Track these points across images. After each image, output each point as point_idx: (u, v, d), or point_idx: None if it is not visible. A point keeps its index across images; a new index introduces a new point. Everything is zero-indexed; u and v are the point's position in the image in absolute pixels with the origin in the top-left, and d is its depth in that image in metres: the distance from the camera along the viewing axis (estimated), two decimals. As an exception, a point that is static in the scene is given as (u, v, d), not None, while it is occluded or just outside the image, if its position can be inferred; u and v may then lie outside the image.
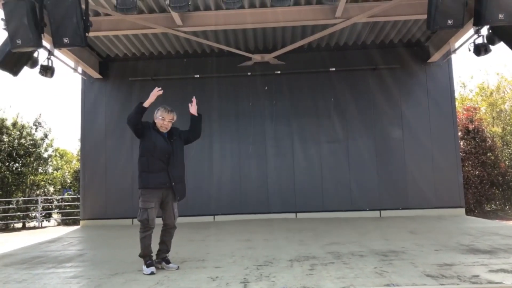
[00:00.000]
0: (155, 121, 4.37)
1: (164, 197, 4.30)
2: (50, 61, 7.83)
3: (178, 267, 4.38)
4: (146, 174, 4.23)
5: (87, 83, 10.23)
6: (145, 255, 4.30)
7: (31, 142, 15.94)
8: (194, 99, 4.56)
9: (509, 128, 15.00)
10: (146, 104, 4.28)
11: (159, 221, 4.35)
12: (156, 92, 4.35)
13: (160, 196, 4.26)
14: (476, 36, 7.44)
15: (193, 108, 4.57)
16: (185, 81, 10.01)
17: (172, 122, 4.41)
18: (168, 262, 4.43)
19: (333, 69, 9.81)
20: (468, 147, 13.58)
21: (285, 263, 4.53)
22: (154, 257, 4.42)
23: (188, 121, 4.61)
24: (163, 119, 4.32)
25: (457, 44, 9.02)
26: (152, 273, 4.18)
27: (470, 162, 13.38)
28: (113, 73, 10.24)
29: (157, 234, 4.43)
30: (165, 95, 10.58)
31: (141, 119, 4.30)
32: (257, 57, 9.42)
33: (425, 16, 6.46)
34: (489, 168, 13.40)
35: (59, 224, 15.40)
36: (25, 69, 7.18)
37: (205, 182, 9.71)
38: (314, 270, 4.14)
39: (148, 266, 4.25)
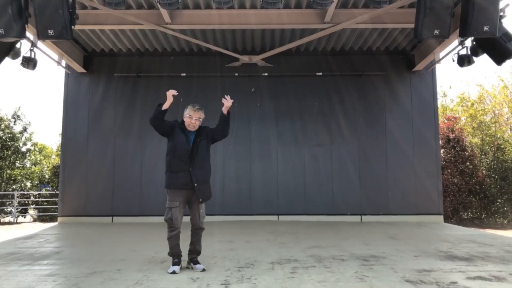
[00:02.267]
0: (184, 119, 4.32)
1: (190, 197, 4.22)
2: (32, 53, 7.64)
3: (204, 269, 4.22)
4: (169, 174, 4.21)
5: (71, 77, 10.02)
6: (173, 254, 4.25)
7: (9, 135, 15.54)
8: (228, 97, 4.39)
9: (488, 138, 15.38)
10: (165, 106, 4.20)
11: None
12: (171, 92, 4.21)
13: (185, 196, 4.19)
14: (460, 47, 7.61)
15: (225, 106, 4.37)
16: (172, 79, 9.89)
17: (200, 120, 4.31)
18: (195, 262, 4.31)
19: (320, 73, 9.88)
20: (448, 155, 13.86)
21: (267, 265, 4.52)
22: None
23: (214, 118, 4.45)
24: (191, 117, 4.26)
25: (441, 54, 9.20)
26: (173, 272, 4.09)
27: (449, 170, 13.65)
28: (98, 68, 10.06)
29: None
30: (150, 92, 10.55)
31: (162, 121, 4.25)
32: (245, 58, 9.40)
33: (412, 25, 6.57)
34: (467, 177, 13.69)
35: (35, 220, 15.03)
36: (6, 60, 7.00)
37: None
38: (296, 273, 4.14)
39: (173, 264, 4.18)
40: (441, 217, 9.59)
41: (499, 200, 14.05)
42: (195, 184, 4.13)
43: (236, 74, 9.84)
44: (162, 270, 4.31)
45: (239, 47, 9.94)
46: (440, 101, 19.97)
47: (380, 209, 9.55)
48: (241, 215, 9.44)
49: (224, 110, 4.39)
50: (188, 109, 4.31)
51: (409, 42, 9.72)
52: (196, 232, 4.32)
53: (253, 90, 9.91)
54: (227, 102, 4.36)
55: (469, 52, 7.45)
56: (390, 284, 3.70)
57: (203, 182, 4.23)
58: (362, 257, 5.00)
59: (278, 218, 9.47)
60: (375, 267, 4.39)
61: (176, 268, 4.17)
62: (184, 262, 4.36)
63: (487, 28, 5.93)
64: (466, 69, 7.89)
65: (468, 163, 13.90)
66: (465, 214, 14.16)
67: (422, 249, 5.61)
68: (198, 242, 4.35)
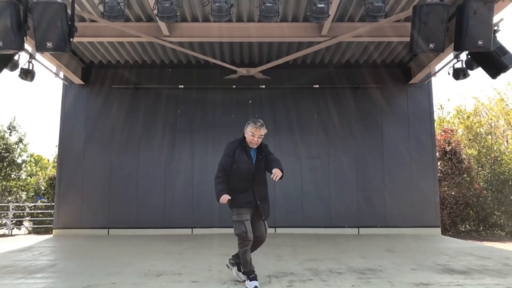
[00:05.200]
0: (245, 135, 4.23)
1: (253, 213, 4.18)
2: (31, 65, 7.68)
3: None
4: (234, 194, 4.13)
5: (68, 89, 10.03)
6: (248, 271, 4.13)
7: (4, 146, 15.48)
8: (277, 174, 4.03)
9: (484, 150, 15.44)
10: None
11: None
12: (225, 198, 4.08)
13: (251, 211, 4.16)
14: (455, 60, 7.70)
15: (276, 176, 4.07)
16: (169, 91, 9.96)
17: (262, 137, 4.22)
18: (240, 269, 4.27)
19: (317, 86, 9.94)
20: (445, 168, 13.89)
21: (263, 279, 4.48)
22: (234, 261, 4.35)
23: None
24: (253, 135, 4.16)
25: (437, 67, 9.30)
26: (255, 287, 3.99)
27: (446, 182, 13.67)
28: (95, 80, 10.08)
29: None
30: (148, 104, 10.58)
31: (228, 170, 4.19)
32: (242, 71, 9.45)
33: (408, 39, 6.64)
34: (464, 189, 13.71)
35: (30, 233, 14.88)
36: (4, 72, 7.02)
37: (183, 194, 9.58)
38: (292, 286, 4.11)
39: (251, 280, 4.05)
40: (439, 230, 9.56)
41: (496, 213, 14.04)
42: (258, 202, 4.14)
43: (234, 86, 9.89)
44: (157, 283, 4.27)
45: (237, 59, 10.01)
46: (437, 114, 20.12)
47: (377, 221, 9.52)
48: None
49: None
50: (250, 126, 4.17)
51: (405, 55, 9.81)
52: (258, 244, 4.28)
53: (250, 102, 9.95)
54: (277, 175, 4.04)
55: (464, 66, 7.54)
56: (388, 298, 3.67)
57: (265, 199, 4.24)
58: (359, 270, 4.97)
59: (275, 231, 9.41)
60: (372, 280, 4.37)
61: (257, 283, 4.05)
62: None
63: (481, 42, 6.00)
64: (463, 81, 7.96)
65: (465, 175, 13.93)
66: (463, 226, 14.13)
67: (420, 262, 5.59)
68: (253, 251, 4.29)
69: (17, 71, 7.39)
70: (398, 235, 9.06)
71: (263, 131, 4.21)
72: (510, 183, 14.02)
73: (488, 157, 15.06)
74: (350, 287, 4.06)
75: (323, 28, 7.83)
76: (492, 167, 14.65)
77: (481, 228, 14.18)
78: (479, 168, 15.05)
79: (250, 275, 4.11)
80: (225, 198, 4.05)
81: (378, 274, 4.73)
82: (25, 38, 6.11)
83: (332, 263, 5.45)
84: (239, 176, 4.14)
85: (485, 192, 14.11)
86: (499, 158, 14.90)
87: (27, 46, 6.81)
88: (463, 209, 13.52)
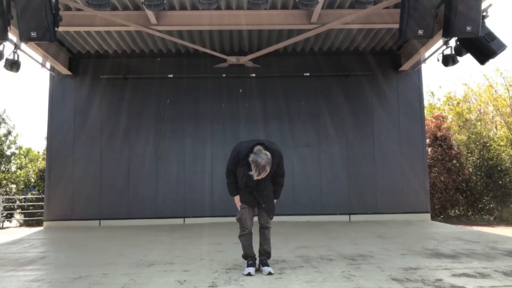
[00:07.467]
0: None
1: (257, 205, 4.34)
2: (16, 55, 7.53)
3: (270, 272, 4.08)
4: (239, 190, 4.33)
5: (56, 80, 9.88)
6: (246, 255, 4.29)
7: (-7, 139, 15.29)
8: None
9: (473, 136, 15.60)
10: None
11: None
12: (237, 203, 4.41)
13: (254, 203, 4.30)
14: (444, 47, 7.72)
15: None
16: (159, 80, 9.87)
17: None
18: (264, 264, 4.23)
19: (307, 74, 9.91)
20: (435, 154, 14.04)
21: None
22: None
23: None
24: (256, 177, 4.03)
25: (426, 54, 9.31)
26: (249, 274, 4.05)
27: (436, 168, 13.83)
28: (83, 70, 9.93)
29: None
30: (138, 94, 10.47)
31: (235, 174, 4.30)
32: (232, 59, 9.37)
33: (397, 26, 6.63)
34: (454, 175, 13.89)
35: (21, 225, 14.81)
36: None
37: (175, 184, 9.56)
38: (283, 274, 4.14)
39: (247, 266, 4.18)
40: (428, 215, 9.69)
41: (485, 198, 14.28)
42: (263, 205, 4.29)
43: (224, 75, 9.81)
44: (149, 273, 4.27)
45: (227, 48, 9.92)
46: (427, 100, 20.23)
47: (368, 208, 9.60)
48: (230, 216, 9.38)
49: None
50: (253, 168, 3.93)
51: (395, 42, 9.80)
52: (263, 231, 4.35)
53: (241, 91, 9.90)
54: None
55: (453, 52, 7.56)
56: (377, 283, 3.72)
57: (268, 200, 4.33)
58: (349, 256, 5.02)
59: (267, 219, 9.45)
60: (363, 266, 4.42)
61: (251, 269, 4.12)
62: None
63: (470, 28, 6.02)
64: (452, 68, 8.00)
65: (455, 161, 14.10)
66: (452, 211, 14.35)
67: (409, 247, 5.66)
68: (265, 242, 4.33)
69: (2, 62, 7.25)
70: (389, 221, 9.15)
71: (268, 171, 4.00)
72: (499, 168, 14.23)
73: (477, 143, 15.23)
74: (341, 273, 4.11)
75: (313, 16, 7.77)
76: (481, 152, 14.84)
77: (470, 213, 14.43)
78: (469, 154, 15.24)
79: (248, 260, 4.24)
80: (237, 201, 4.40)
81: (368, 260, 4.79)
82: (8, 27, 5.99)
83: (323, 250, 5.50)
84: (242, 184, 4.25)
85: (474, 177, 14.31)
86: (488, 144, 15.09)
87: (11, 36, 6.69)
88: (453, 195, 13.72)
